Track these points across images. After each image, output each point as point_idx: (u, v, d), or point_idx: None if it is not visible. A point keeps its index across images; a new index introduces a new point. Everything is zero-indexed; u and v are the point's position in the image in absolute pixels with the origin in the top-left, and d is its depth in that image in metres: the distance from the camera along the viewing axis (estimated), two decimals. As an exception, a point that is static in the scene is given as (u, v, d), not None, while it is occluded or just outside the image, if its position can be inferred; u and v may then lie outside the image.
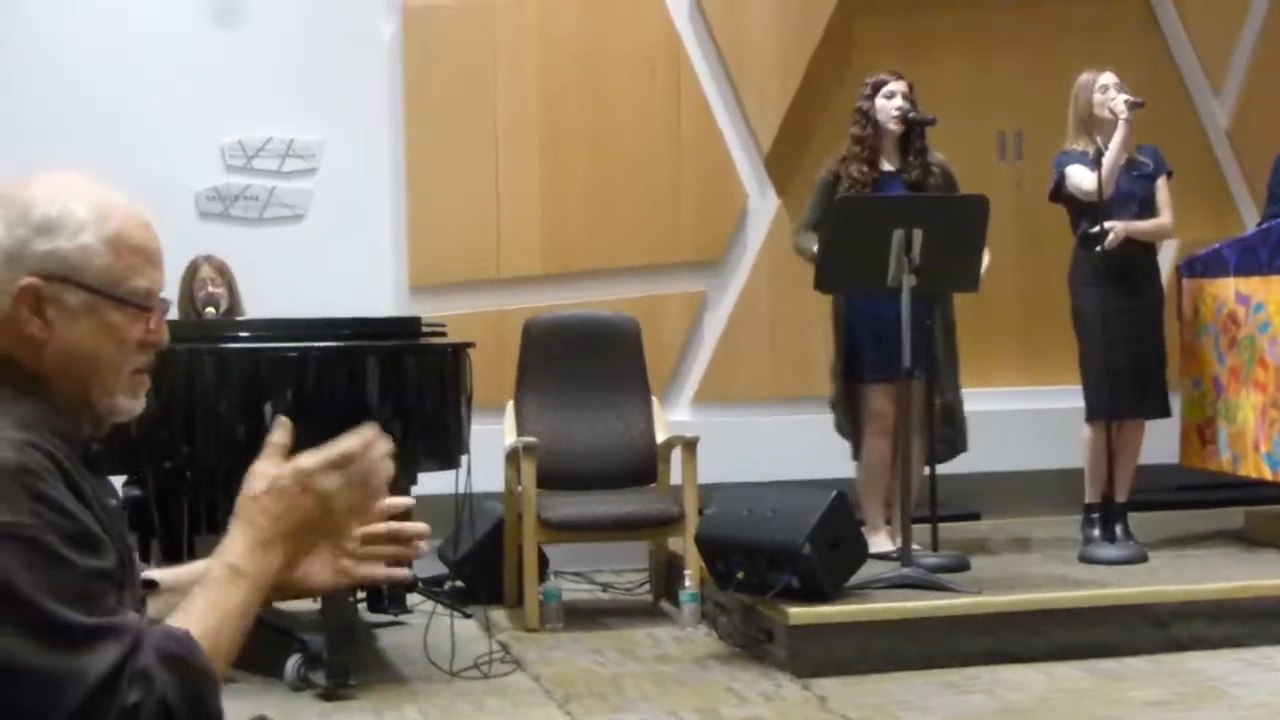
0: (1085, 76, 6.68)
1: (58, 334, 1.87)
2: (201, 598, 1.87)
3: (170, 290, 6.56)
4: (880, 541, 6.44)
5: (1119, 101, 6.47)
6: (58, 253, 1.86)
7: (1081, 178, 6.51)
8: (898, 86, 6.50)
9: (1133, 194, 6.59)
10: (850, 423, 6.61)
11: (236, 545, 1.88)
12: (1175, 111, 8.27)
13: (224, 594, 1.86)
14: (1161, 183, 6.70)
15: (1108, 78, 6.63)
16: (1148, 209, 6.64)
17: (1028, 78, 8.18)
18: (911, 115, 6.45)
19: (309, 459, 1.92)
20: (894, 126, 6.45)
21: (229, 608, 1.85)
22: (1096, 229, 6.45)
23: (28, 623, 1.69)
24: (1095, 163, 6.41)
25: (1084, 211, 6.56)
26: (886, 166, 6.51)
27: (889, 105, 6.47)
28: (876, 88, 6.53)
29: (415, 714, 5.17)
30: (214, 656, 1.81)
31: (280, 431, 1.95)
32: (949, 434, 6.59)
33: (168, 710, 1.74)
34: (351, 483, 1.93)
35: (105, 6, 7.24)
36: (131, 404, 1.94)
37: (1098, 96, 6.59)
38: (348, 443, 1.93)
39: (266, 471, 1.91)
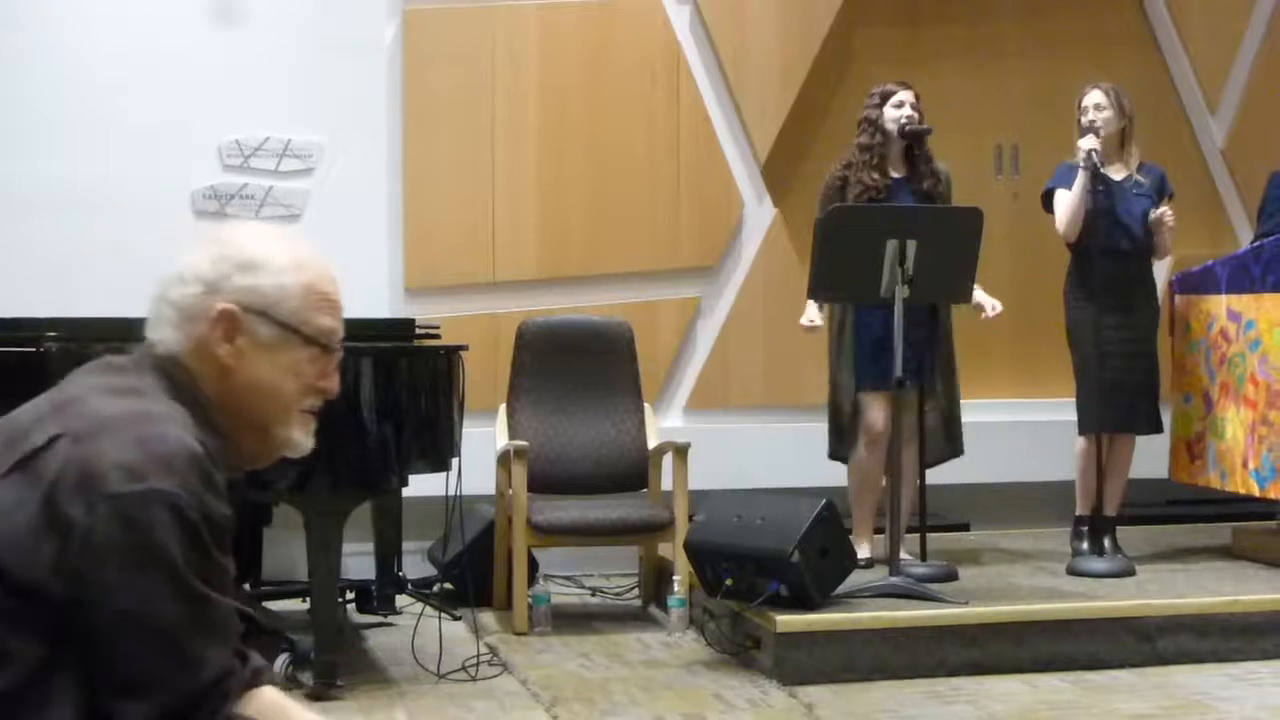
0: (1082, 91, 6.69)
1: (245, 362, 1.98)
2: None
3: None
4: (865, 549, 6.46)
5: (1082, 145, 6.45)
6: (258, 288, 1.99)
7: (1061, 207, 6.54)
8: (906, 96, 6.52)
9: (1130, 212, 6.58)
10: (840, 431, 6.63)
11: None
12: (1172, 129, 8.29)
13: None
14: (1163, 206, 6.70)
15: (1092, 97, 6.58)
16: (1145, 226, 6.64)
17: (1026, 91, 8.21)
18: (908, 126, 6.48)
19: None
20: (898, 135, 6.48)
21: None
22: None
23: (168, 579, 1.75)
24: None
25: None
26: (895, 174, 6.54)
27: (899, 114, 6.50)
28: (885, 97, 6.56)
29: (402, 715, 5.18)
30: None
31: None
32: (949, 432, 6.63)
33: None
34: None
35: (104, 6, 7.25)
36: (305, 440, 2.06)
37: (1082, 117, 6.58)
38: None
39: None
